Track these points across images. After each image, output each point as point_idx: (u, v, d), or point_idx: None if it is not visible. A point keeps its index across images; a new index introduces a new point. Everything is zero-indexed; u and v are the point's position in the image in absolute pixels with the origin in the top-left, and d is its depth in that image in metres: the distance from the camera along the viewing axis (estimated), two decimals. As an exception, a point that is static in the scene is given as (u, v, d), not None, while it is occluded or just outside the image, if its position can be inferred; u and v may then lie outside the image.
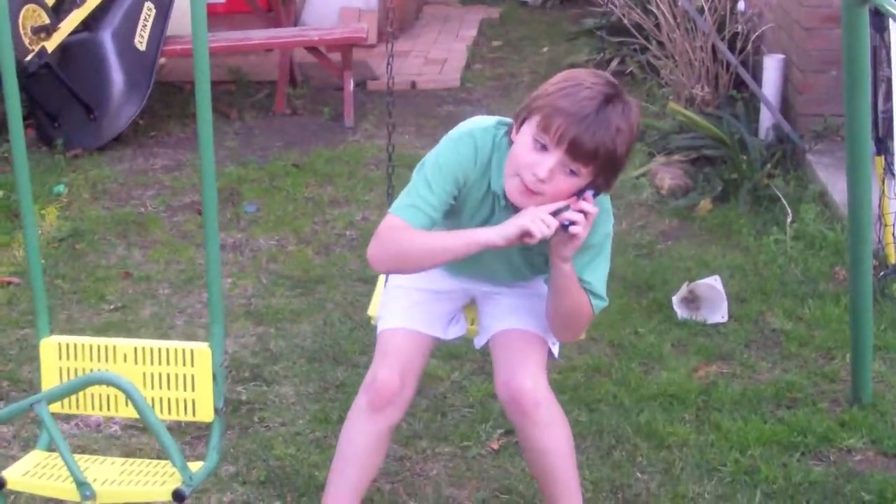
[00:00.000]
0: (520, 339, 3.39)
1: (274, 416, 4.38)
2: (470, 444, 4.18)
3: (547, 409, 3.27)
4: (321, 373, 4.67)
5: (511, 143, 3.16)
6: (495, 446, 4.17)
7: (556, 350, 3.50)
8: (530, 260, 3.38)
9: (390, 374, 3.29)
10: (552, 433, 3.29)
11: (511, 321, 3.43)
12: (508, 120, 3.26)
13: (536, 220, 3.02)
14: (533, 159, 3.04)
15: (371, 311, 3.71)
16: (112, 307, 5.30)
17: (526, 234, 3.02)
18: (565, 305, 3.26)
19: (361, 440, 3.31)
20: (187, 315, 5.22)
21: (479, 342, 3.55)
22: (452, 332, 3.55)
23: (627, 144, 3.07)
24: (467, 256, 3.14)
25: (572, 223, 3.03)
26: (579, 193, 3.07)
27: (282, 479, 3.96)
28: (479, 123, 3.27)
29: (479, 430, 4.25)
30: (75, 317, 5.18)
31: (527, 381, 3.27)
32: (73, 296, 5.38)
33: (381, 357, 3.37)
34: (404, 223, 3.15)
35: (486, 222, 3.24)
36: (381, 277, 3.80)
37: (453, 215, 3.26)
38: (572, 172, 3.04)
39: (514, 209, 3.14)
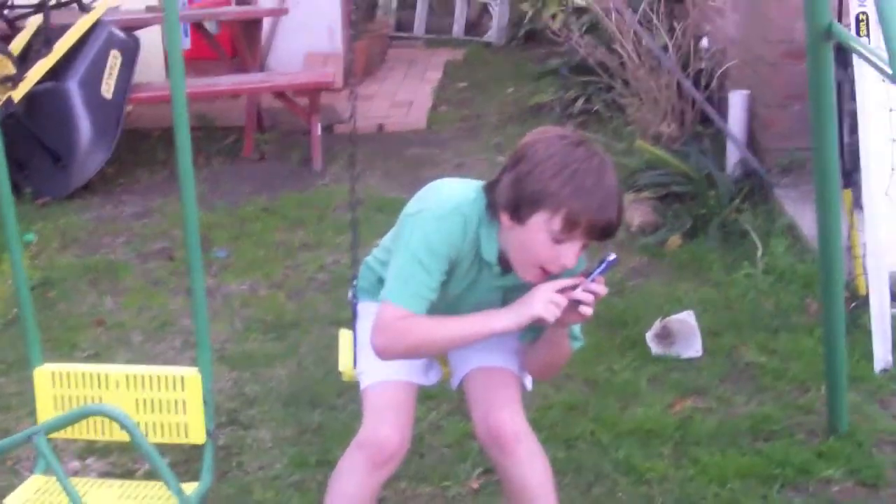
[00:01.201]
0: (493, 376, 3.38)
1: (252, 460, 4.37)
2: (449, 483, 4.18)
3: (527, 444, 3.27)
4: (298, 416, 4.66)
5: (492, 215, 3.15)
6: (475, 486, 4.17)
7: (528, 383, 3.49)
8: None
9: (391, 431, 3.24)
10: (534, 468, 3.27)
11: (482, 359, 3.41)
12: (480, 183, 3.26)
13: (549, 306, 3.03)
14: (556, 252, 3.04)
15: (342, 368, 3.62)
16: (86, 355, 5.27)
17: (539, 320, 3.05)
18: (552, 354, 3.31)
19: (358, 495, 3.24)
20: (161, 362, 5.18)
21: (454, 382, 3.54)
22: (432, 377, 3.50)
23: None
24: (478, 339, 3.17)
25: (583, 303, 3.04)
26: (588, 274, 3.07)
27: (261, 523, 3.95)
28: (464, 196, 3.22)
29: (459, 469, 4.25)
30: (48, 366, 5.15)
31: (504, 414, 3.26)
32: (46, 344, 5.28)
33: (375, 413, 3.30)
34: (408, 312, 3.14)
35: (474, 283, 3.27)
36: (345, 334, 3.71)
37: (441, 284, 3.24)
38: (585, 245, 3.08)
39: (503, 272, 3.20)
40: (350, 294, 3.59)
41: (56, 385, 3.49)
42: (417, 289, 3.15)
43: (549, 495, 3.32)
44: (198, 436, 3.44)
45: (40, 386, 3.51)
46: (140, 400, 3.45)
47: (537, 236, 3.05)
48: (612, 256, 3.09)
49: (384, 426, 3.25)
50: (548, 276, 3.09)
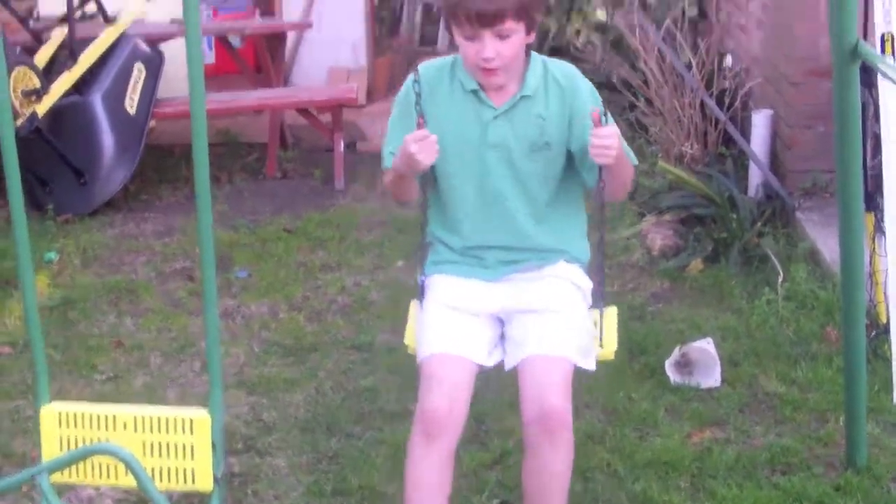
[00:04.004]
0: (549, 363, 3.52)
1: (267, 488, 4.37)
2: (466, 514, 4.17)
3: (568, 434, 3.48)
4: (314, 444, 4.65)
5: None
6: (492, 516, 4.17)
7: (591, 363, 3.68)
8: (541, 173, 3.68)
9: (439, 400, 3.44)
10: (565, 458, 3.50)
11: (540, 345, 3.55)
12: None
13: (415, 146, 3.47)
14: (473, 51, 3.51)
15: (407, 341, 3.83)
16: (104, 377, 5.29)
17: (410, 156, 3.48)
18: (618, 178, 3.65)
19: (427, 471, 3.47)
20: (179, 385, 5.21)
21: (508, 364, 3.65)
22: (493, 359, 3.68)
23: None
24: (410, 172, 3.58)
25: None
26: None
27: (276, 555, 3.95)
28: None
29: (475, 500, 4.23)
30: (67, 388, 5.15)
31: (559, 401, 3.45)
32: (64, 366, 5.36)
33: (427, 385, 3.50)
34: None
35: (478, 119, 3.64)
36: (414, 306, 3.90)
37: (443, 138, 3.57)
38: (506, 35, 3.48)
39: (489, 97, 3.63)
40: (418, 272, 3.85)
41: (62, 425, 3.46)
42: (388, 150, 3.71)
43: (566, 484, 3.56)
44: (205, 482, 3.40)
45: (46, 425, 3.48)
46: (147, 443, 3.41)
47: (458, 41, 3.55)
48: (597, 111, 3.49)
49: (433, 397, 3.45)
50: (491, 72, 3.53)
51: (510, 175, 3.66)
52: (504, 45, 3.49)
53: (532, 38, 3.60)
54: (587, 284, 3.82)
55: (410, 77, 3.66)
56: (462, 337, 3.59)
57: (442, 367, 3.52)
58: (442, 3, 3.72)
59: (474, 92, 3.63)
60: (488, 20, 3.44)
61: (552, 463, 3.48)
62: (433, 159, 3.51)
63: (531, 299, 3.68)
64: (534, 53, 3.69)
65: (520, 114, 3.63)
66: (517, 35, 3.51)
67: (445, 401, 3.44)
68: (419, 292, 3.81)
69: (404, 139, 3.51)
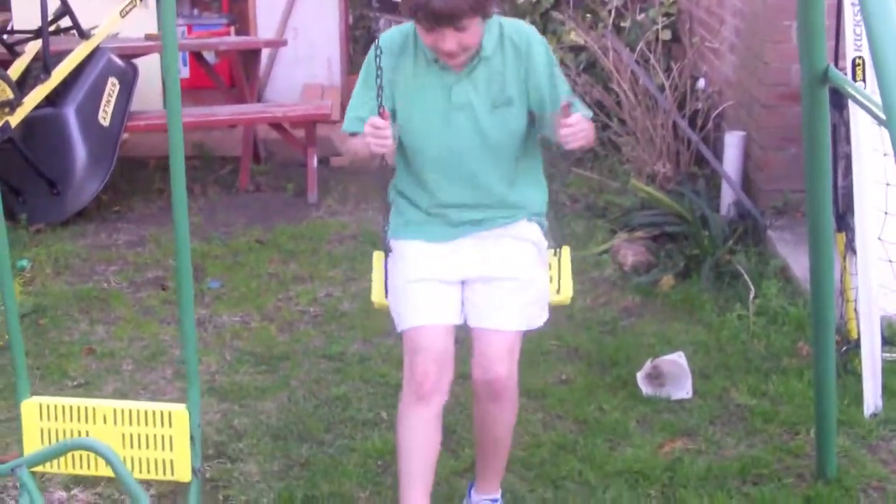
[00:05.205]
0: (498, 336, 3.81)
1: (239, 494, 4.36)
2: (437, 521, 4.16)
3: (510, 393, 3.84)
4: (286, 450, 4.65)
5: None
6: (463, 524, 4.17)
7: (541, 320, 3.95)
8: (504, 130, 3.80)
9: (426, 366, 3.74)
10: (505, 408, 3.87)
11: (491, 320, 3.82)
12: None
13: (368, 138, 3.58)
14: (433, 42, 3.64)
15: (374, 297, 4.09)
16: (75, 384, 5.27)
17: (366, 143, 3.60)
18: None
19: (417, 427, 3.77)
20: (151, 392, 5.19)
21: (468, 322, 3.90)
22: (462, 317, 3.90)
23: None
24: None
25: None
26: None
27: (247, 558, 3.94)
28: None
29: (446, 507, 4.24)
30: (38, 393, 5.09)
31: (503, 369, 3.78)
32: (36, 371, 5.34)
33: (412, 355, 3.78)
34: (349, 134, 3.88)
35: (442, 83, 3.76)
36: (378, 261, 4.13)
37: (409, 106, 3.79)
38: (465, 28, 3.59)
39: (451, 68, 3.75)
40: (384, 225, 4.03)
41: (43, 418, 3.50)
42: (350, 113, 3.85)
43: (509, 428, 3.97)
44: (183, 473, 3.44)
45: (27, 418, 3.52)
46: (126, 435, 3.45)
47: (419, 32, 3.67)
48: (564, 101, 3.59)
49: (419, 366, 3.74)
50: (452, 58, 3.67)
51: (476, 134, 3.79)
52: (464, 35, 3.62)
53: (491, 15, 3.72)
54: (543, 242, 4.02)
55: (372, 49, 3.72)
56: (436, 305, 3.82)
57: (424, 338, 3.77)
58: (401, 4, 3.74)
59: (435, 60, 3.77)
60: (446, 20, 3.57)
61: (493, 412, 3.87)
62: (387, 150, 3.66)
63: (491, 267, 3.86)
64: None
65: (480, 73, 3.76)
66: (475, 24, 3.63)
67: (433, 366, 3.74)
68: (384, 247, 4.00)
69: (365, 125, 3.62)
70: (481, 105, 3.77)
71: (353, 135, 3.84)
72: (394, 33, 3.84)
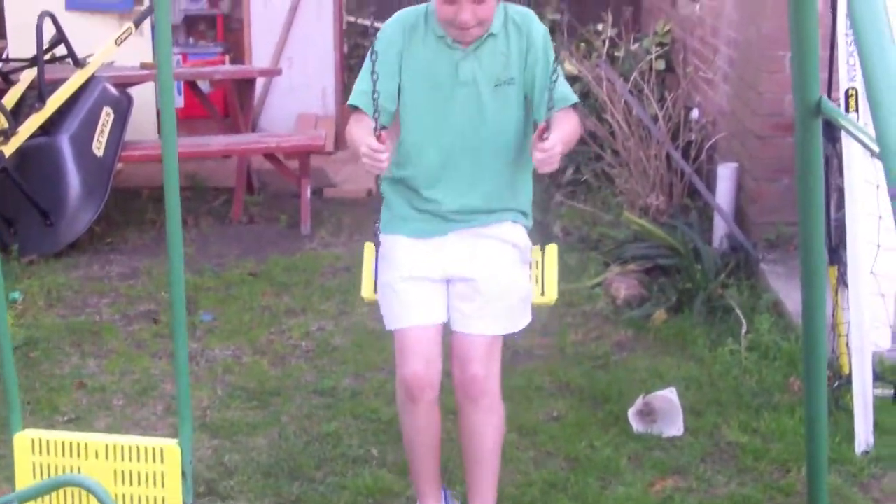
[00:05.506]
0: (476, 340, 3.95)
1: (228, 532, 4.35)
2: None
3: (490, 399, 3.96)
4: (276, 488, 4.63)
5: None
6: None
7: (523, 323, 4.06)
8: (502, 112, 3.95)
9: (414, 367, 3.91)
10: (488, 420, 3.98)
11: (473, 324, 3.95)
12: None
13: (365, 160, 3.66)
14: (451, 13, 3.80)
15: (364, 293, 4.22)
16: (66, 419, 5.25)
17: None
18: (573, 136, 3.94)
19: (420, 421, 3.99)
20: (142, 428, 5.18)
21: (450, 324, 4.03)
22: (447, 314, 4.03)
23: None
24: None
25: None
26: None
27: None
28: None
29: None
30: (28, 427, 5.10)
31: (479, 371, 3.92)
32: (26, 406, 5.31)
33: (402, 356, 3.96)
34: (354, 113, 3.96)
35: (450, 59, 3.91)
36: (369, 254, 4.23)
37: (415, 82, 3.93)
38: (481, 0, 3.78)
39: (459, 44, 3.90)
40: (375, 220, 4.17)
41: (35, 452, 3.51)
42: (359, 86, 3.92)
43: (495, 448, 4.06)
44: None
45: (20, 452, 3.54)
46: (118, 471, 3.47)
47: (436, 4, 3.84)
48: (543, 124, 3.68)
49: (408, 367, 3.92)
50: (467, 31, 3.82)
51: (477, 113, 3.93)
52: (480, 8, 3.81)
53: None
54: (527, 244, 4.12)
55: (374, 40, 3.87)
56: (423, 303, 3.97)
57: (411, 339, 3.94)
58: None
59: (443, 37, 3.92)
60: None
61: (478, 423, 3.97)
62: (383, 171, 3.74)
63: (476, 268, 3.97)
64: None
65: (486, 51, 3.93)
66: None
67: (421, 367, 3.90)
68: (375, 240, 4.14)
69: (363, 142, 3.69)
70: (485, 82, 3.92)
71: (355, 110, 3.94)
72: (409, 11, 4.00)
